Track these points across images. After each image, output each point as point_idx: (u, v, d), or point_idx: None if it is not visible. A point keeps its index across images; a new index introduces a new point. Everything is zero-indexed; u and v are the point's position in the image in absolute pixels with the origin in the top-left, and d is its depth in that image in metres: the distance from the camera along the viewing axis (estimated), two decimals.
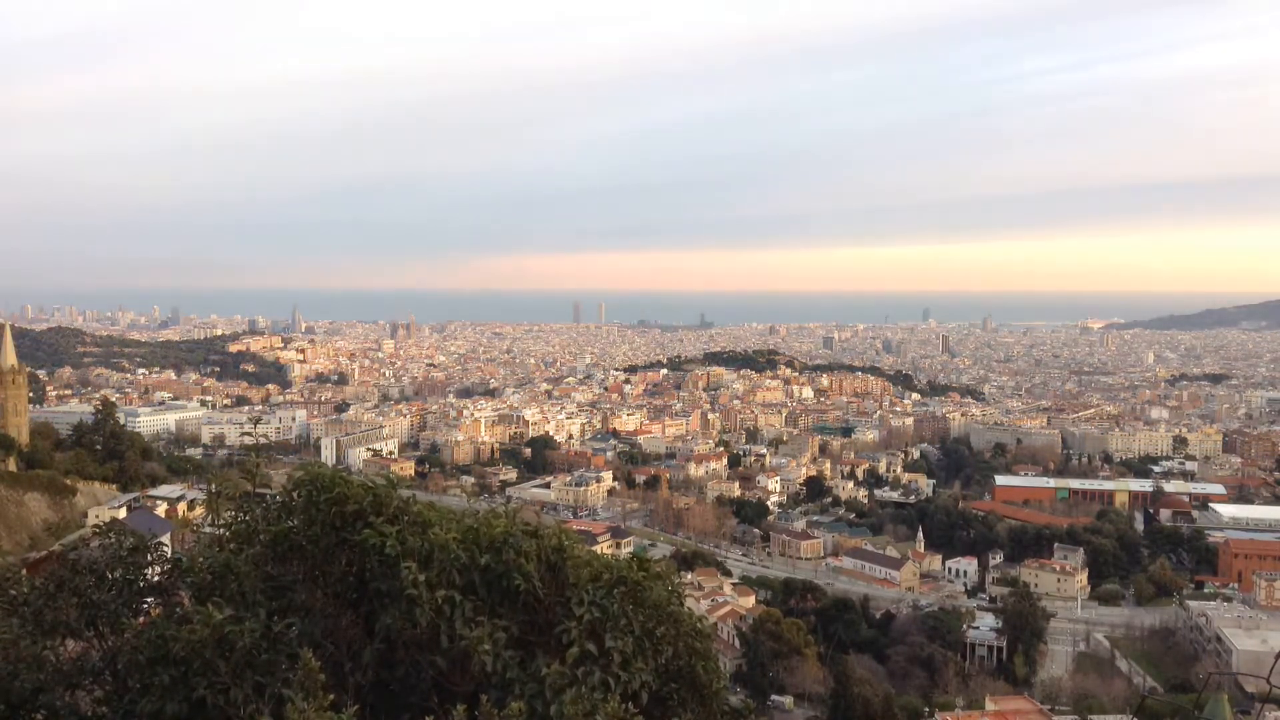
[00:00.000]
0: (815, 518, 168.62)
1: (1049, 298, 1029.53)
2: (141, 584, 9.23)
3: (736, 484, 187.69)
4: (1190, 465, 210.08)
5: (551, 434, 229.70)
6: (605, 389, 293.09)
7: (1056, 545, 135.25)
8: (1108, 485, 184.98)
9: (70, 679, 8.26)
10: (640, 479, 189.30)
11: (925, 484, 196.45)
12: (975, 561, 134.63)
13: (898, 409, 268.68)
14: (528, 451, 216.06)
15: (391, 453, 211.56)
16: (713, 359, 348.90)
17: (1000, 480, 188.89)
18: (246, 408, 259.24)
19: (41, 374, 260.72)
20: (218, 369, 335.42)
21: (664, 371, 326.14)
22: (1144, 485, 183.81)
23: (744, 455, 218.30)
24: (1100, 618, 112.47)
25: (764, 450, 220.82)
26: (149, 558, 9.37)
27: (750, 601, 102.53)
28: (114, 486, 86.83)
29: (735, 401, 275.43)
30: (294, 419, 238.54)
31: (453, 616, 7.85)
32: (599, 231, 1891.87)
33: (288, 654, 7.59)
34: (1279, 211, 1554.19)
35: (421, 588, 7.82)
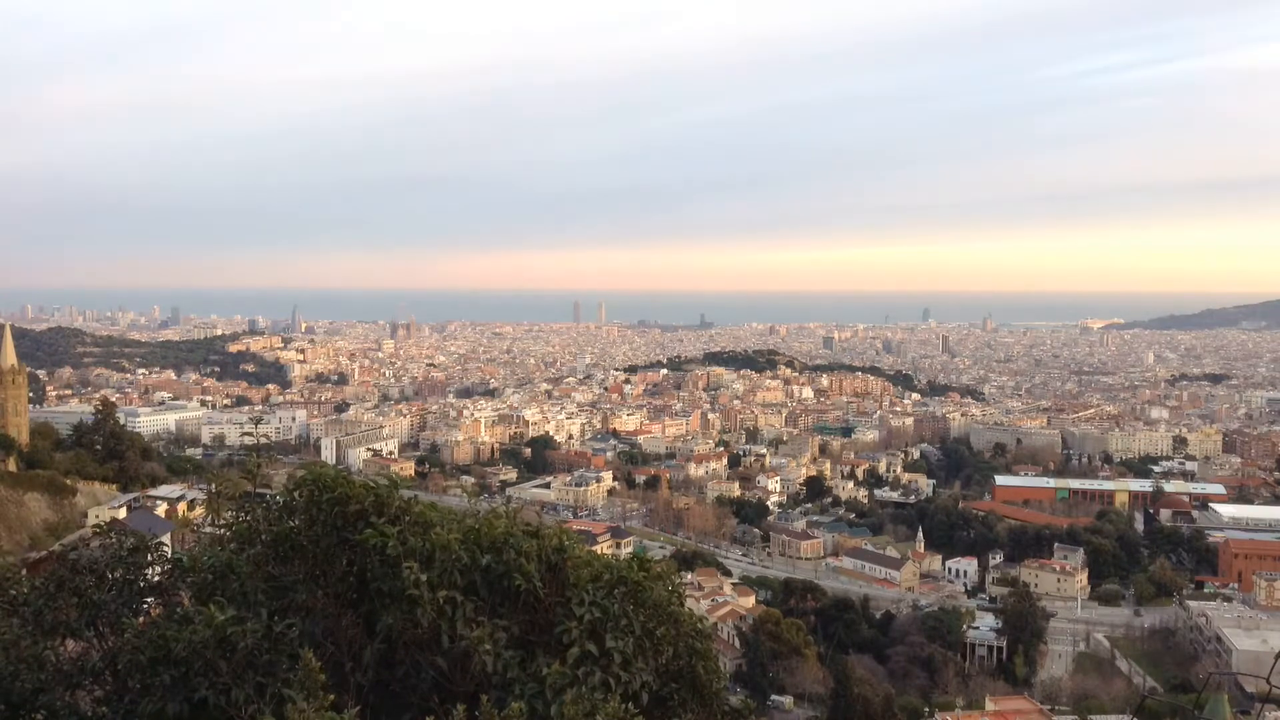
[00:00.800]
0: (815, 518, 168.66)
1: (1049, 298, 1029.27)
2: (142, 584, 9.24)
3: (736, 484, 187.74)
4: (1190, 465, 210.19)
5: (551, 434, 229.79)
6: (605, 389, 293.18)
7: (1056, 545, 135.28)
8: (1108, 485, 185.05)
9: (70, 679, 8.26)
10: (640, 479, 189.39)
11: (925, 484, 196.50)
12: (975, 561, 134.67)
13: (898, 409, 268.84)
14: (528, 451, 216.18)
15: (392, 453, 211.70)
16: (713, 359, 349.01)
17: (1000, 480, 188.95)
18: (246, 408, 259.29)
19: (41, 374, 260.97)
20: (218, 369, 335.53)
21: (664, 371, 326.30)
22: (1144, 485, 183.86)
23: (744, 455, 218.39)
24: (1100, 618, 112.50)
25: (764, 450, 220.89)
26: (149, 558, 9.37)
27: (750, 602, 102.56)
28: (114, 486, 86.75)
29: (735, 401, 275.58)
30: (294, 419, 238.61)
31: (454, 617, 7.85)
32: (599, 231, 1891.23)
33: (289, 654, 7.59)
34: (1279, 211, 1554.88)
35: (423, 588, 7.83)
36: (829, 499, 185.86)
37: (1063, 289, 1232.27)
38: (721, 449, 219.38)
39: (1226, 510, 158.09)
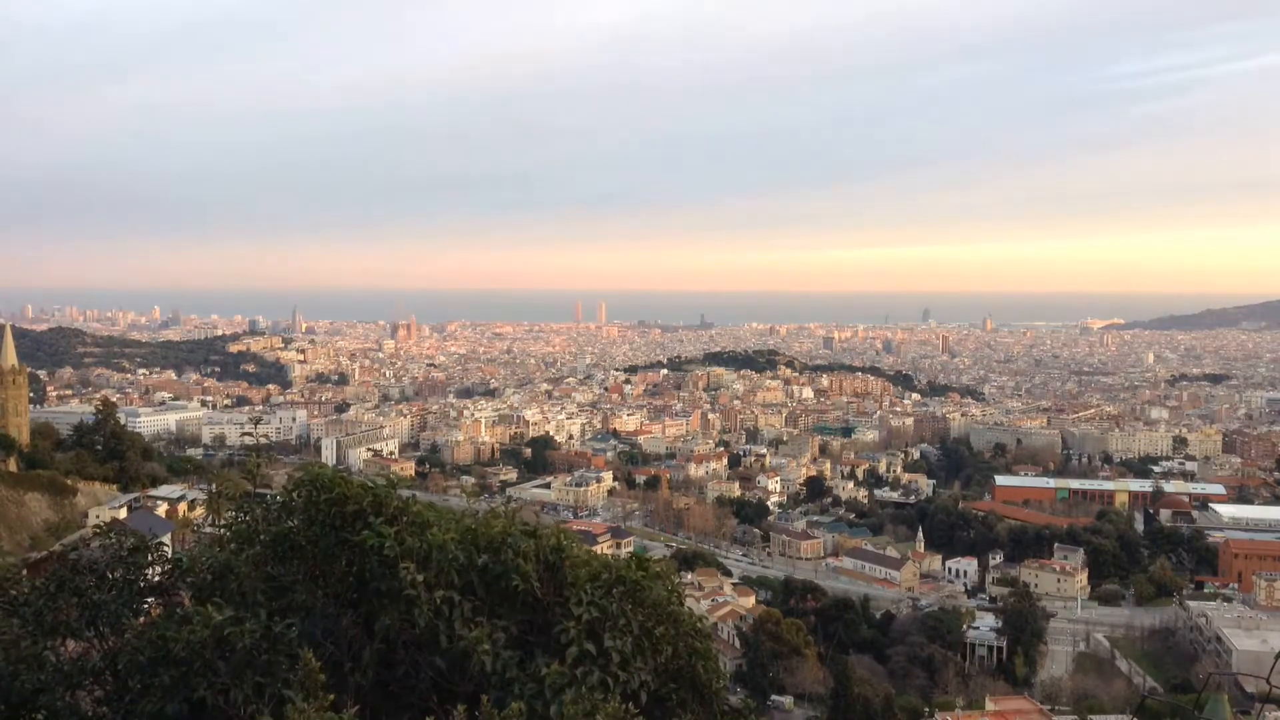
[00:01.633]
0: (815, 518, 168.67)
1: (1049, 298, 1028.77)
2: (142, 584, 9.25)
3: (736, 484, 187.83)
4: (1190, 465, 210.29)
5: (551, 434, 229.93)
6: (605, 389, 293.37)
7: (1056, 545, 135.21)
8: (1108, 485, 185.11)
9: (71, 679, 8.26)
10: (640, 479, 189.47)
11: (925, 484, 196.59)
12: (975, 561, 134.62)
13: (898, 409, 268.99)
14: (528, 451, 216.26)
15: (392, 453, 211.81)
16: (713, 359, 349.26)
17: (1000, 480, 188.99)
18: (247, 408, 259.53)
19: (42, 374, 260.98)
20: (218, 369, 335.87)
21: (664, 372, 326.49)
22: (1144, 485, 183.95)
23: (744, 455, 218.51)
24: (1100, 618, 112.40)
25: (764, 450, 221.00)
26: (149, 558, 9.38)
27: (750, 601, 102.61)
28: (114, 487, 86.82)
29: (735, 402, 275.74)
30: (294, 419, 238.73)
31: (452, 617, 7.86)
32: (599, 231, 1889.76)
33: (288, 654, 7.60)
34: (1279, 211, 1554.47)
35: (420, 588, 7.84)
36: (829, 499, 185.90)
37: (1063, 289, 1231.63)
38: (721, 449, 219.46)
39: (1226, 510, 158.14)
